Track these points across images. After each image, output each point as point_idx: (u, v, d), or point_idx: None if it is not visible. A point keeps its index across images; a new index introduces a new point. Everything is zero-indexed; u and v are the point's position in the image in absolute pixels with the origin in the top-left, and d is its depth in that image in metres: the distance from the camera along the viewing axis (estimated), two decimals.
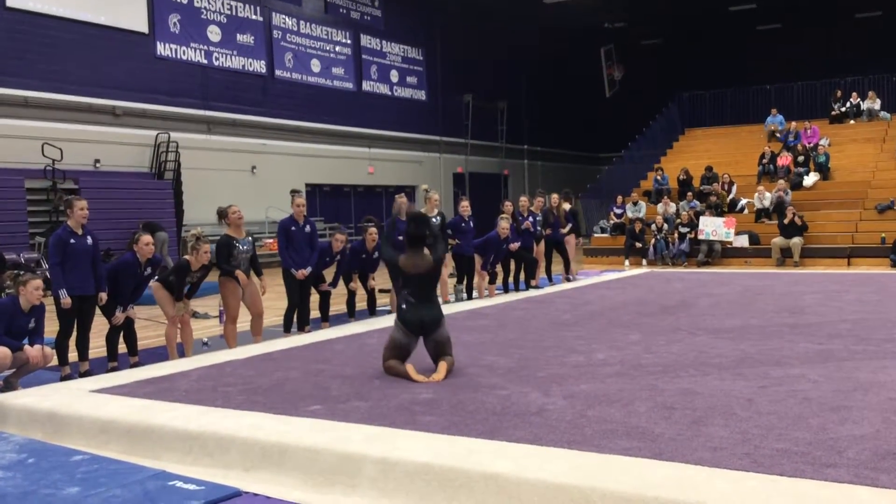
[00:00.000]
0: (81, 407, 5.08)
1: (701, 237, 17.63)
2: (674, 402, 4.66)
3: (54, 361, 6.65)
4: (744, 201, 19.23)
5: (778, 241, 16.86)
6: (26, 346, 6.30)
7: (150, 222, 16.30)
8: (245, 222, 7.91)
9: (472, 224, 10.83)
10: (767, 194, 18.51)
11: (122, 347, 7.15)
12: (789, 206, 17.35)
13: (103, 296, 6.83)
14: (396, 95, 27.28)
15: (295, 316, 8.39)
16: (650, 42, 33.21)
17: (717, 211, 18.35)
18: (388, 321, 8.82)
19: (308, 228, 8.41)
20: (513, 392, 5.07)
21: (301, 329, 8.38)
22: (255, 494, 3.85)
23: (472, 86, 29.59)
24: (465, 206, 10.89)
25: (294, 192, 8.52)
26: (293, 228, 8.29)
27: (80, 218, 6.78)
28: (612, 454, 3.72)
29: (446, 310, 9.54)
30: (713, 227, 17.65)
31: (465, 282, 11.03)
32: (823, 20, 29.58)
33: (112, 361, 7.00)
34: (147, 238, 7.14)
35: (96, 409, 4.99)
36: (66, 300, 6.53)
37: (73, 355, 6.84)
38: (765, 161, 20.51)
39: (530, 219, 11.86)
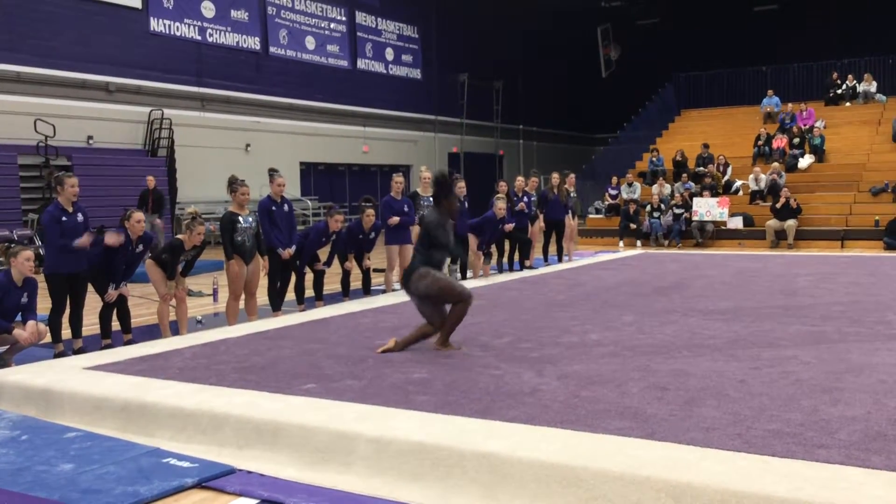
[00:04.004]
0: (75, 384, 5.08)
1: (695, 218, 17.65)
2: (667, 383, 4.68)
3: (48, 338, 6.64)
4: (739, 183, 19.25)
5: (772, 223, 16.89)
6: (18, 325, 6.28)
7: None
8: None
9: (466, 204, 10.80)
10: (762, 176, 18.52)
11: (115, 325, 7.15)
12: (783, 188, 17.36)
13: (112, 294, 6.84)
14: (391, 74, 27.14)
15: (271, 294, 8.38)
16: (647, 22, 33.01)
17: (713, 192, 18.35)
18: (383, 300, 8.84)
19: (287, 207, 8.36)
20: (506, 372, 5.09)
21: (277, 309, 8.34)
22: (249, 472, 3.87)
23: (468, 65, 29.45)
24: (461, 187, 10.85)
25: (273, 171, 8.42)
26: (273, 208, 8.23)
27: (70, 195, 6.76)
28: (604, 434, 3.74)
29: None
30: (707, 208, 17.69)
31: (459, 261, 11.03)
32: (820, 2, 29.46)
33: (106, 339, 7.00)
34: (138, 215, 7.11)
35: (90, 387, 4.99)
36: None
37: (66, 333, 6.83)
38: (760, 143, 20.50)
39: (525, 199, 11.84)
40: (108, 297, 6.96)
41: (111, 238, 6.78)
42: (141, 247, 7.14)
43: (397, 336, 6.06)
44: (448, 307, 5.88)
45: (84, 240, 6.63)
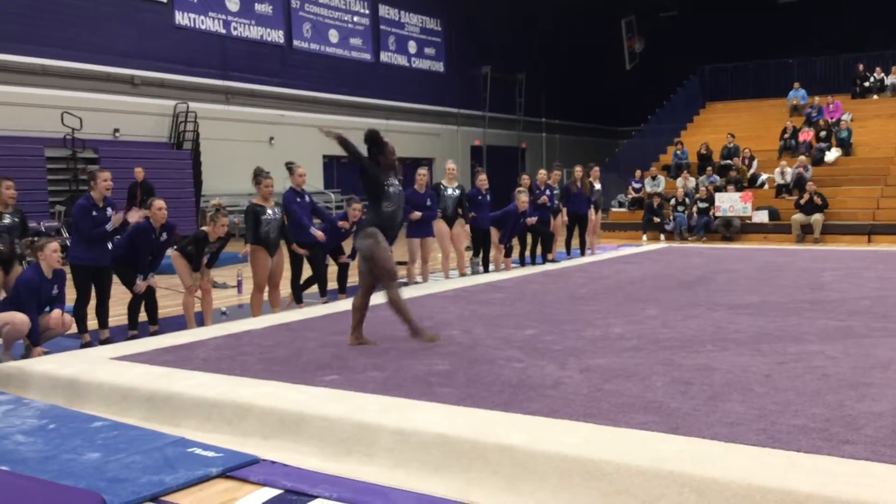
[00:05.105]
0: (102, 374, 5.14)
1: (718, 214, 17.51)
2: (691, 378, 4.65)
3: (74, 329, 6.72)
4: (764, 176, 19.05)
5: (798, 217, 16.71)
6: (44, 315, 6.36)
7: None
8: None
9: (488, 197, 10.79)
10: (788, 170, 18.32)
11: (141, 316, 7.22)
12: (809, 182, 17.17)
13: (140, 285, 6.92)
14: (414, 67, 27.12)
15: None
16: (671, 14, 32.75)
17: (738, 186, 18.19)
18: (405, 293, 8.84)
19: (307, 199, 8.42)
20: (529, 365, 5.08)
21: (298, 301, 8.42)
22: (273, 462, 3.89)
23: (491, 58, 29.34)
24: (483, 180, 10.85)
25: (292, 164, 8.45)
26: (298, 199, 8.29)
27: (103, 190, 6.83)
28: (627, 428, 3.72)
29: (463, 283, 9.60)
30: (730, 203, 17.53)
31: (481, 255, 11.03)
32: None
33: (132, 329, 7.07)
34: (160, 203, 7.15)
35: (117, 376, 5.05)
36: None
37: (93, 323, 6.91)
38: (786, 136, 20.28)
39: (547, 192, 11.81)
40: (136, 288, 7.02)
41: (133, 215, 6.83)
42: (165, 235, 7.17)
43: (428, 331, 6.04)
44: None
45: (117, 217, 6.69)
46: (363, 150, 5.95)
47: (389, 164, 5.91)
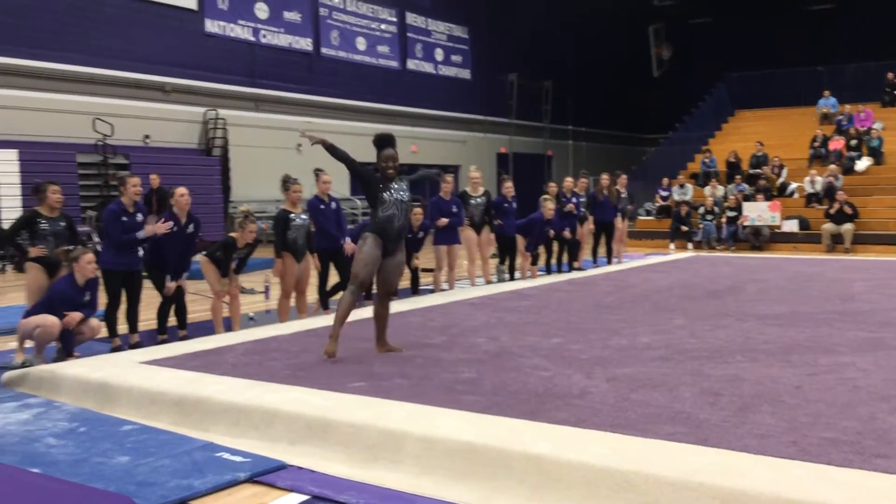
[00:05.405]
0: (132, 378, 5.19)
1: (746, 223, 17.36)
2: (720, 388, 4.61)
3: (104, 333, 6.80)
4: (794, 185, 18.85)
5: (828, 226, 16.51)
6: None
7: None
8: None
9: (514, 205, 10.78)
10: (818, 178, 18.12)
11: (171, 321, 7.29)
12: (839, 191, 16.97)
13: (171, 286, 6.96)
14: (441, 74, 27.18)
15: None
16: (700, 21, 32.54)
17: (767, 195, 18.01)
18: (431, 300, 8.87)
19: (334, 205, 8.46)
20: (555, 374, 5.07)
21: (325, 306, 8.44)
22: (300, 468, 3.91)
23: (517, 65, 29.33)
24: (509, 187, 10.84)
25: (319, 171, 8.51)
26: (322, 206, 8.33)
27: (132, 195, 6.90)
28: (655, 439, 3.69)
29: (489, 290, 9.60)
30: (758, 213, 17.37)
31: (507, 262, 11.02)
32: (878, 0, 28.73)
33: (162, 334, 7.14)
34: (182, 190, 7.19)
35: (146, 381, 5.10)
36: (171, 284, 6.75)
37: (122, 328, 6.98)
38: (816, 144, 20.06)
39: (574, 200, 11.78)
40: (166, 290, 7.07)
41: (161, 228, 6.83)
42: (192, 226, 7.20)
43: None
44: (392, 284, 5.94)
45: (150, 228, 6.75)
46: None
47: (381, 169, 5.83)
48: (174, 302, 7.20)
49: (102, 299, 6.83)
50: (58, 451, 4.16)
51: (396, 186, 5.84)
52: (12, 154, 15.39)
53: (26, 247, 6.71)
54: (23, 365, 6.06)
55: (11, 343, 6.80)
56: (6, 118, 15.83)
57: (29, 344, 6.33)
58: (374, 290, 6.11)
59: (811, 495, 3.00)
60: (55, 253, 6.65)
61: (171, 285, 7.05)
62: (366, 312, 7.92)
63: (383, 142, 5.88)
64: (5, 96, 15.90)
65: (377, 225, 5.76)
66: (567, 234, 11.13)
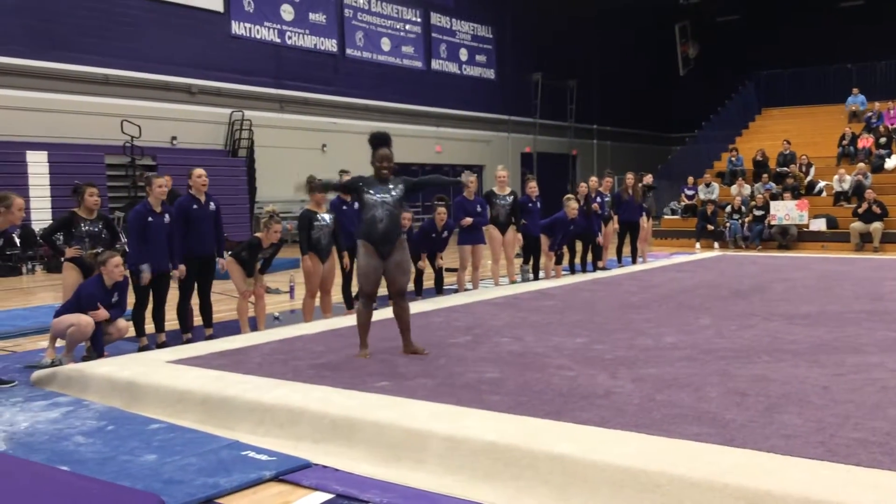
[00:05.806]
0: (159, 377, 5.24)
1: (773, 222, 17.19)
2: (746, 388, 4.57)
3: (131, 332, 6.87)
4: (822, 184, 18.65)
5: (857, 225, 16.31)
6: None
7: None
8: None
9: (539, 204, 10.76)
10: (847, 177, 17.90)
11: (197, 320, 7.34)
12: (868, 189, 16.75)
13: (181, 268, 6.98)
14: (465, 74, 27.19)
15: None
16: (727, 18, 32.26)
17: (795, 193, 17.82)
18: (455, 300, 8.88)
19: (356, 206, 8.47)
20: (580, 374, 5.05)
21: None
22: (325, 466, 3.93)
23: (542, 64, 29.27)
24: (533, 187, 10.82)
25: (343, 172, 8.55)
26: (344, 207, 8.37)
27: (159, 195, 6.96)
28: (681, 439, 3.67)
29: (513, 290, 9.58)
30: (785, 212, 17.19)
31: (531, 262, 11.00)
32: None
33: (186, 333, 7.18)
34: (199, 171, 7.25)
35: (173, 380, 5.15)
36: (147, 274, 6.70)
37: (150, 327, 7.05)
38: (845, 142, 19.82)
39: (598, 200, 11.72)
40: (179, 272, 6.99)
41: (145, 277, 6.74)
42: (213, 205, 7.27)
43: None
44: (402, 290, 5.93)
45: (147, 277, 6.73)
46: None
47: (375, 168, 5.80)
48: (200, 299, 7.22)
49: (131, 299, 6.90)
50: (86, 450, 4.21)
51: (384, 188, 5.73)
52: (42, 156, 15.64)
53: (62, 247, 6.79)
54: (52, 364, 6.14)
55: (42, 342, 6.89)
56: (36, 121, 16.08)
57: (60, 343, 6.41)
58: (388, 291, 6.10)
59: (839, 497, 2.96)
60: (86, 255, 6.71)
61: (182, 268, 6.99)
62: (388, 312, 7.95)
63: (379, 141, 5.83)
64: (35, 99, 16.14)
65: (362, 229, 5.73)
66: (600, 240, 11.15)
